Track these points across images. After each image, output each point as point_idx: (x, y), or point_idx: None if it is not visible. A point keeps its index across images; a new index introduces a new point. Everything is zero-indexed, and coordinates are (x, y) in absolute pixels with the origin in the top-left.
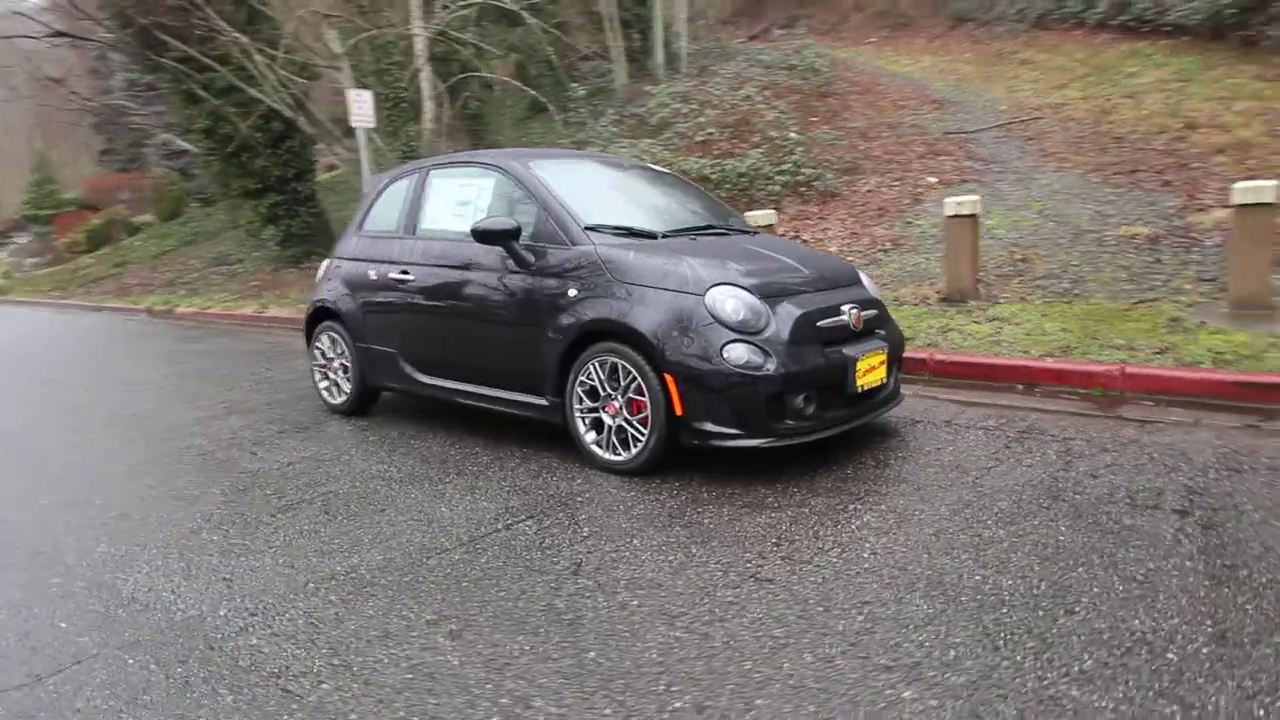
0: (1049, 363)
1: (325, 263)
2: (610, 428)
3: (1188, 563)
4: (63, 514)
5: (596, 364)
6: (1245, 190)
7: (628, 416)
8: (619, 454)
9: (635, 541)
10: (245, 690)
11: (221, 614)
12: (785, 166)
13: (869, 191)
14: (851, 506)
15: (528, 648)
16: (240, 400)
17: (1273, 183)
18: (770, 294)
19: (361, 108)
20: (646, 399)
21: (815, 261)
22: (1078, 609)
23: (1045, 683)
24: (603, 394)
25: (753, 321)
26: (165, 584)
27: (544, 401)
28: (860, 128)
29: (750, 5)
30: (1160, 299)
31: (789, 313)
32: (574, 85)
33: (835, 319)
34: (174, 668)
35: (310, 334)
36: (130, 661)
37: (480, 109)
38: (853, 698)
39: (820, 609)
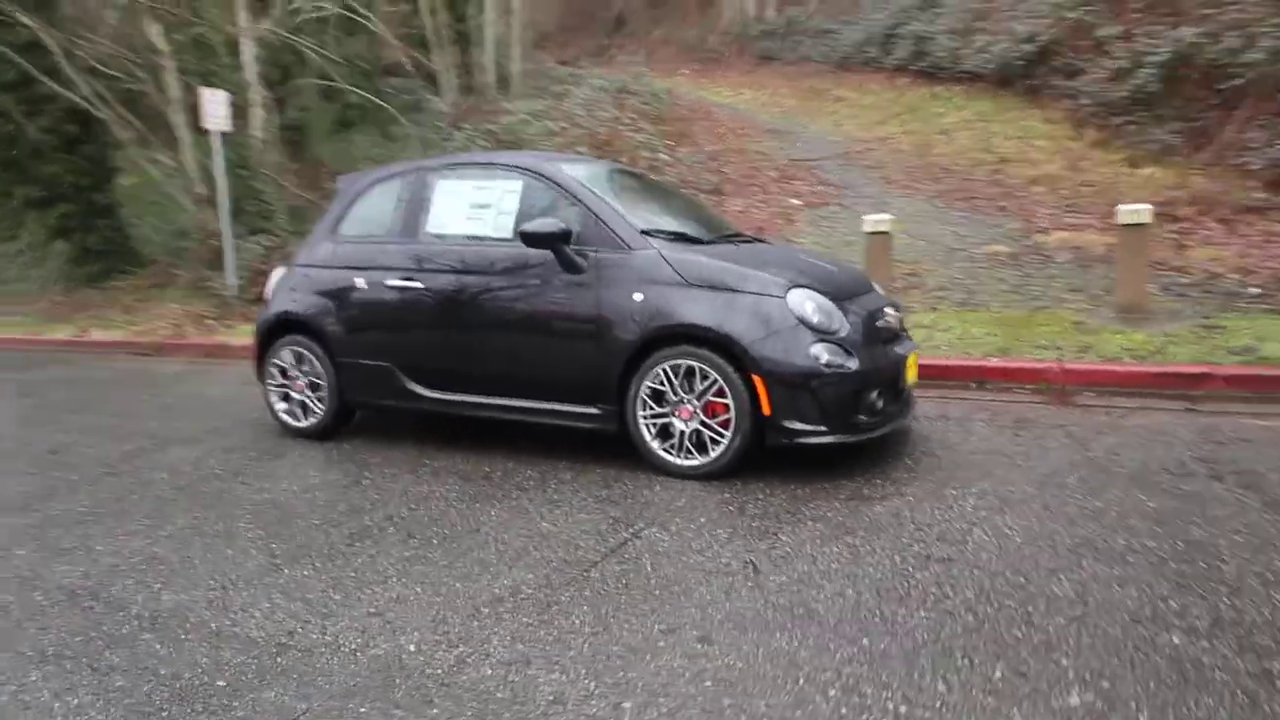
0: (995, 362)
1: (280, 271)
2: (683, 433)
3: (1265, 516)
4: (64, 563)
5: (668, 368)
6: (1128, 212)
7: (705, 419)
8: (694, 458)
9: (783, 538)
10: None
11: (412, 649)
12: None
13: (740, 212)
14: (946, 492)
15: (795, 643)
16: (164, 430)
17: (1148, 206)
18: (835, 297)
19: (216, 109)
20: (730, 401)
21: (842, 267)
22: (1226, 559)
23: (1267, 617)
24: (674, 398)
25: (827, 323)
26: (303, 626)
27: (595, 410)
28: (712, 152)
29: (560, 32)
30: (1050, 307)
31: (856, 314)
32: (432, 99)
33: (884, 321)
34: (426, 710)
35: (264, 351)
36: (365, 711)
37: (302, 119)
38: (1137, 647)
39: (1022, 579)
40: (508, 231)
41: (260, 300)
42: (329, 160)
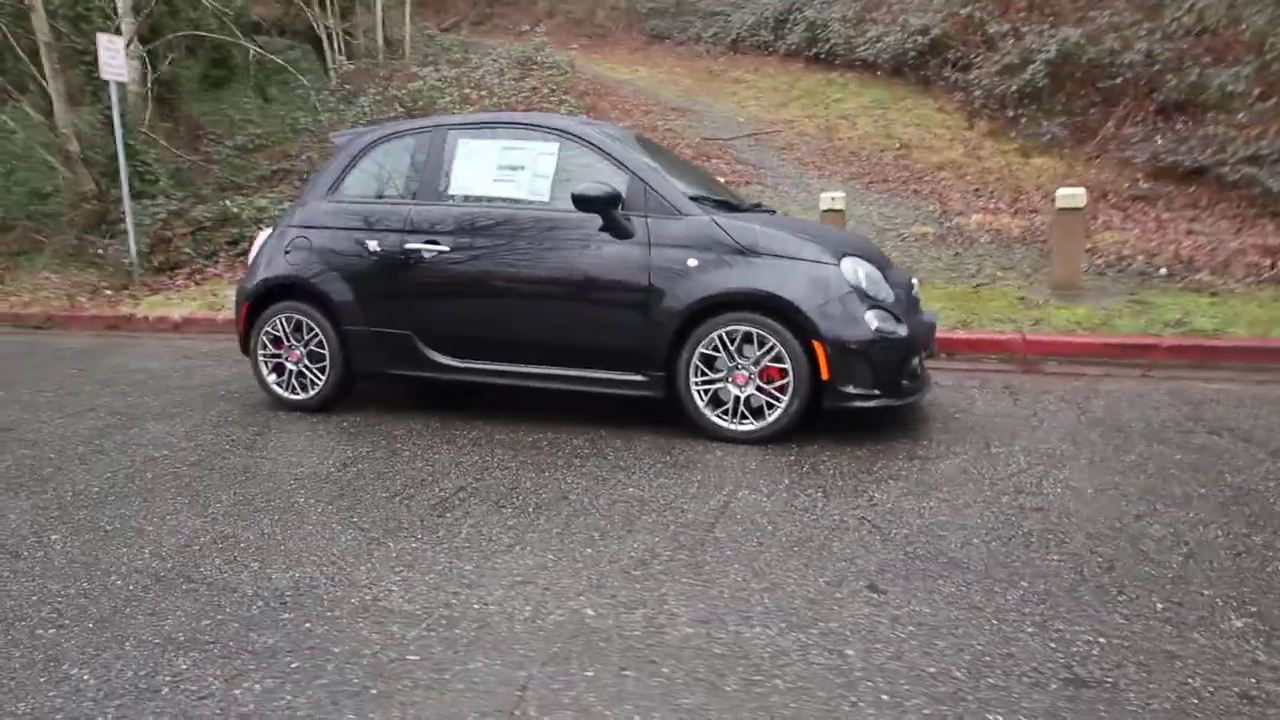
0: (961, 334)
1: (267, 234)
2: (738, 398)
3: (1277, 461)
4: (119, 546)
5: (724, 334)
6: (1064, 196)
7: (760, 384)
8: (749, 423)
9: (876, 495)
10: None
11: (591, 614)
12: None
13: None
14: (993, 451)
15: (961, 589)
16: (121, 405)
17: (1082, 190)
18: (878, 266)
19: (114, 58)
20: (788, 366)
21: (865, 240)
22: (1273, 499)
23: None
24: (729, 364)
25: (876, 290)
26: (455, 597)
27: (642, 377)
28: (627, 129)
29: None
30: (989, 284)
31: (895, 282)
32: (342, 59)
33: (913, 290)
34: (657, 669)
35: (253, 319)
36: (592, 674)
37: (175, 75)
38: (1255, 576)
39: (1117, 524)
40: (544, 194)
41: (167, 269)
42: (205, 120)
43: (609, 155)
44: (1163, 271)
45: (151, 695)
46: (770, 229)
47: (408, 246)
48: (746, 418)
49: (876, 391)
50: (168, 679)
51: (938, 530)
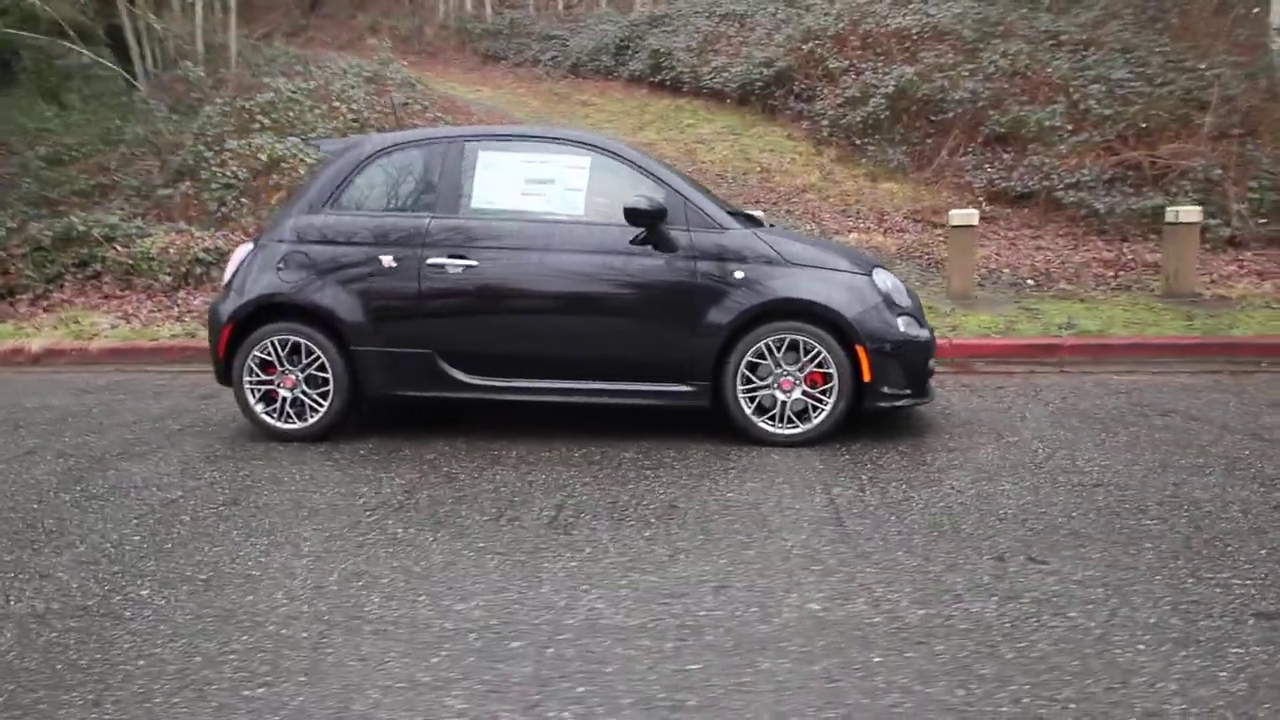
0: None
1: (248, 249)
2: (784, 403)
3: (1233, 437)
4: (238, 593)
5: (771, 342)
6: (958, 215)
7: (806, 389)
8: (796, 426)
9: (953, 485)
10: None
11: (818, 608)
12: None
13: None
14: (1007, 440)
15: (1101, 554)
16: (66, 446)
17: (974, 211)
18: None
19: None
20: (833, 370)
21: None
22: (1257, 465)
23: None
24: (775, 370)
25: (899, 298)
26: (678, 609)
27: (689, 388)
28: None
29: (245, 7)
30: None
31: (910, 291)
32: (187, 65)
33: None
34: (927, 646)
35: (237, 343)
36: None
37: None
38: None
39: (1168, 491)
40: (578, 209)
41: (6, 295)
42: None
43: (646, 170)
44: (1030, 283)
45: None
46: (805, 243)
47: (430, 261)
48: (792, 421)
49: (908, 391)
50: None
51: (1035, 508)
